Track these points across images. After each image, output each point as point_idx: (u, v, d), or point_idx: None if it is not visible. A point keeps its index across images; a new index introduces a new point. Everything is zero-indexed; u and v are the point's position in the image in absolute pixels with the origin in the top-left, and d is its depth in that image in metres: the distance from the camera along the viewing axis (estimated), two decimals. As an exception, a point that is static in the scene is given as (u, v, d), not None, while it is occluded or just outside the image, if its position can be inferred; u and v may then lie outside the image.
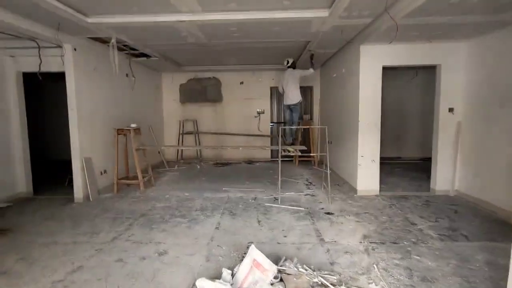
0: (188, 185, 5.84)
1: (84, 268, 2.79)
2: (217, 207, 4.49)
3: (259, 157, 8.60)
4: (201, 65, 7.75)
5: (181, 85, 8.51)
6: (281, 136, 6.68)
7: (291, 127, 6.27)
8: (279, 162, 4.76)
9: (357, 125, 4.99)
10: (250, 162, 8.38)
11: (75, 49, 4.63)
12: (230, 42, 5.17)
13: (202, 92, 8.49)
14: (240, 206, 4.53)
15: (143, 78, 7.17)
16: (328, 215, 4.08)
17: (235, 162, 8.39)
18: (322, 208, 4.36)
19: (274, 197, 4.90)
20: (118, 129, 5.22)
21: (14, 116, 5.02)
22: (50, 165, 7.74)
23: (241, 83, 8.46)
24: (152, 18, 3.78)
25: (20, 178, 5.11)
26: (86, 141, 4.90)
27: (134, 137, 5.21)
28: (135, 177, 5.50)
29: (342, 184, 5.64)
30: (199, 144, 8.26)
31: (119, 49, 5.61)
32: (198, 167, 7.66)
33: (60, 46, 4.55)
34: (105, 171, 5.42)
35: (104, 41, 4.94)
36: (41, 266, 2.82)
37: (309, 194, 5.08)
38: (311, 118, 8.48)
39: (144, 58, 6.27)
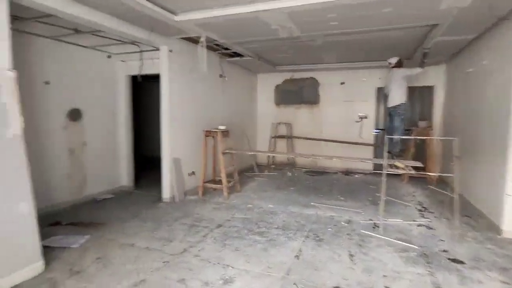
0: (274, 194, 5.33)
1: (146, 283, 2.54)
2: (301, 227, 3.81)
3: (359, 168, 7.46)
4: (297, 64, 7.17)
5: (276, 86, 8.13)
6: (386, 146, 5.52)
7: (397, 136, 5.05)
8: (384, 178, 3.73)
9: (506, 137, 3.52)
10: (347, 173, 7.34)
11: (170, 51, 4.69)
12: (328, 34, 4.41)
13: (298, 93, 7.92)
14: (330, 229, 3.73)
15: (239, 79, 7.05)
16: (455, 264, 2.89)
17: (331, 171, 7.48)
18: (445, 251, 3.16)
19: (374, 223, 3.90)
20: (206, 131, 5.11)
21: (122, 115, 5.47)
22: (148, 161, 8.47)
23: (342, 83, 7.50)
24: (232, 10, 3.40)
25: (123, 172, 5.55)
26: (176, 142, 4.93)
27: (221, 140, 5.00)
28: (221, 181, 5.32)
29: (476, 217, 4.14)
30: (292, 149, 7.68)
31: (213, 49, 5.54)
32: (289, 174, 7.10)
33: (158, 49, 4.67)
34: (193, 173, 5.41)
35: (197, 41, 4.88)
36: (111, 272, 2.71)
37: (424, 225, 3.87)
38: (430, 126, 6.85)
39: (238, 58, 6.08)
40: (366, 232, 3.63)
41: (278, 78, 8.05)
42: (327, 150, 7.66)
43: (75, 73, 4.60)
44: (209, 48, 5.34)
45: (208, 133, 5.11)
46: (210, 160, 5.53)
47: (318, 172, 7.39)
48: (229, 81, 6.55)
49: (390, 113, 5.27)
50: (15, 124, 2.62)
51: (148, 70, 5.05)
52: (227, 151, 5.10)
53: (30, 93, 4.00)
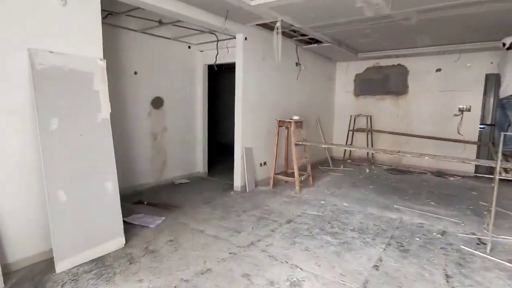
0: (350, 192, 4.88)
1: (212, 272, 2.50)
2: (382, 232, 3.34)
3: (455, 169, 6.36)
4: (382, 49, 6.39)
5: (356, 75, 7.46)
6: (492, 144, 4.51)
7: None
8: (496, 184, 2.98)
9: None
10: (439, 174, 6.33)
11: (246, 38, 4.60)
12: (424, 9, 3.72)
13: (382, 82, 7.12)
14: (417, 239, 3.18)
15: (316, 68, 6.65)
16: None
17: (417, 171, 6.57)
18: None
19: (479, 239, 3.19)
20: (279, 121, 4.92)
21: (199, 103, 5.67)
22: (222, 148, 8.68)
23: (438, 70, 6.44)
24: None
25: (199, 159, 5.77)
26: (249, 131, 4.87)
27: (295, 131, 4.75)
28: (294, 173, 5.10)
29: None
30: (371, 143, 6.98)
31: (289, 36, 5.28)
32: (367, 171, 6.47)
33: (234, 37, 4.63)
34: (264, 163, 5.31)
35: (272, 28, 4.69)
36: (181, 256, 2.76)
37: (551, 248, 3.00)
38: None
39: (315, 45, 5.69)
40: (468, 248, 2.98)
41: (359, 66, 7.36)
42: (415, 146, 6.73)
43: (159, 64, 4.88)
44: (285, 35, 5.11)
45: (282, 123, 4.91)
46: (282, 151, 5.35)
47: (401, 171, 6.56)
48: (305, 70, 6.21)
49: (504, 105, 4.25)
50: (105, 109, 2.83)
51: (224, 59, 5.07)
52: (300, 142, 4.83)
53: (121, 82, 4.38)
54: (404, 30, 4.73)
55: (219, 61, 5.08)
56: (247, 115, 4.78)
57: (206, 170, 5.87)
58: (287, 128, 5.12)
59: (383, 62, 7.05)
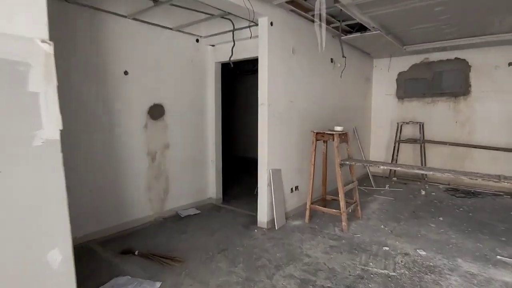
0: (416, 228, 3.57)
1: None
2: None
3: (538, 190, 4.93)
4: (436, 40, 5.10)
5: (399, 74, 6.16)
6: None
7: None
8: None
9: None
10: (518, 196, 4.93)
11: (271, 24, 3.43)
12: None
13: (433, 81, 5.80)
14: None
15: (352, 65, 5.41)
16: None
17: (488, 192, 5.17)
18: None
19: None
20: (317, 133, 3.69)
21: (210, 112, 4.50)
22: (239, 163, 7.47)
23: (511, 64, 5.08)
24: None
25: (211, 182, 4.58)
26: (276, 147, 3.67)
27: (339, 146, 3.51)
28: (334, 201, 3.86)
29: None
30: (424, 157, 5.62)
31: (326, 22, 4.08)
32: (423, 192, 5.11)
33: (255, 23, 3.48)
34: (296, 188, 4.08)
35: (304, 8, 3.52)
36: None
37: None
38: None
39: (358, 34, 4.46)
40: None
41: (403, 63, 6.07)
42: (481, 161, 5.37)
43: (158, 61, 3.77)
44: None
45: (320, 136, 3.68)
46: (319, 172, 4.10)
47: (467, 193, 5.17)
48: (340, 68, 4.99)
49: None
50: (50, 124, 1.67)
51: (241, 55, 3.93)
52: (347, 162, 3.58)
53: (107, 86, 3.26)
54: (473, 11, 3.49)
55: (236, 57, 3.92)
56: (273, 126, 3.59)
57: (221, 195, 4.66)
58: (325, 142, 3.89)
59: (434, 57, 5.74)
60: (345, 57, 4.77)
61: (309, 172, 3.78)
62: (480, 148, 5.29)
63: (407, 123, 5.72)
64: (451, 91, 5.63)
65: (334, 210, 3.58)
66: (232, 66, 3.92)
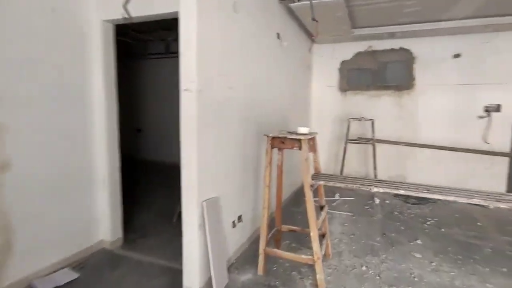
0: (402, 265, 2.66)
1: None
2: None
3: (478, 187, 4.72)
4: (389, 24, 4.42)
5: (343, 63, 5.38)
6: None
7: None
8: None
9: None
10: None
11: (201, -50, 1.96)
12: None
13: (378, 73, 5.18)
14: None
15: (293, 48, 4.30)
16: None
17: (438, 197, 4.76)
18: None
19: None
20: (274, 138, 2.40)
21: (97, 101, 2.75)
22: (145, 170, 5.69)
23: (456, 56, 4.73)
24: None
25: (102, 214, 2.85)
26: (210, 160, 2.25)
27: (308, 158, 2.29)
28: (293, 233, 2.69)
29: None
30: (374, 159, 4.95)
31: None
32: (377, 201, 4.40)
33: None
34: (239, 219, 2.75)
35: None
36: None
37: None
38: None
39: (309, 1, 3.31)
40: None
41: (347, 50, 5.30)
42: (425, 160, 4.98)
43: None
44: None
45: (279, 143, 2.40)
46: (272, 193, 2.83)
47: (420, 199, 4.68)
48: (287, 48, 3.83)
49: None
50: None
51: (148, 9, 2.35)
52: (320, 181, 2.39)
53: None
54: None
55: (138, 13, 2.32)
56: (206, 126, 2.15)
57: (120, 235, 2.97)
58: (280, 150, 2.63)
59: (379, 45, 5.11)
60: (280, 38, 3.61)
61: (263, 199, 2.48)
62: (426, 147, 4.88)
63: (359, 119, 4.95)
64: (396, 84, 5.09)
65: (304, 257, 2.35)
66: (129, 21, 2.30)
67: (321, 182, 2.33)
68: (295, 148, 2.35)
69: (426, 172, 4.98)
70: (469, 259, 2.76)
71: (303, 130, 2.48)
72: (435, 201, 4.48)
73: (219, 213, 2.35)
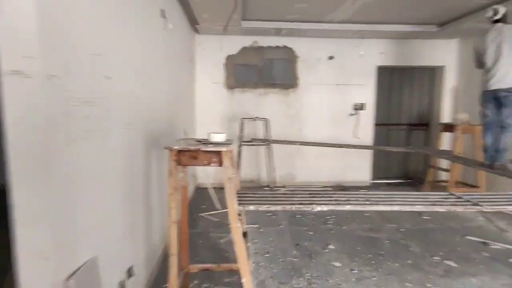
0: (325, 281, 2.40)
1: None
2: None
3: (352, 180, 5.26)
4: (275, 19, 4.25)
5: (228, 58, 4.94)
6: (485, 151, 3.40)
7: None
8: None
9: None
10: (344, 188, 5.04)
11: None
12: None
13: (265, 70, 5.01)
14: None
15: (176, 35, 3.53)
16: None
17: (318, 188, 4.98)
18: None
19: None
20: (182, 151, 1.64)
21: None
22: None
23: (331, 57, 5.04)
24: None
25: None
26: (77, 200, 1.30)
27: (230, 179, 1.66)
28: (205, 273, 2.05)
29: None
30: (271, 160, 4.70)
31: None
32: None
33: None
34: (129, 273, 1.85)
35: None
36: None
37: None
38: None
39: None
40: None
41: (232, 44, 4.88)
42: (312, 158, 5.15)
43: None
44: None
45: (190, 159, 1.66)
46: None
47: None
48: (173, 32, 3.05)
49: (499, 99, 3.13)
50: None
51: None
52: (251, 207, 1.79)
53: None
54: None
55: None
56: (66, 151, 1.19)
57: None
58: (185, 167, 1.89)
59: (264, 42, 4.93)
60: (167, 20, 2.87)
61: (169, 241, 1.69)
62: (312, 145, 5.03)
63: (253, 119, 4.60)
64: (282, 82, 5.05)
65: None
66: None
67: (252, 207, 1.74)
68: (212, 164, 1.67)
69: (313, 169, 5.16)
70: (378, 257, 2.79)
71: (218, 137, 1.82)
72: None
73: (98, 283, 1.42)
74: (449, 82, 5.24)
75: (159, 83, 2.65)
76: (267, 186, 4.94)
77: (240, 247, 1.65)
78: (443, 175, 4.85)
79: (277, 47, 4.95)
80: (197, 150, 1.64)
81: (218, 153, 1.64)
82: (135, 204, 2.00)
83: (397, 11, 3.97)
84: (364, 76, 5.10)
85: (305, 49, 4.97)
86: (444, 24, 4.43)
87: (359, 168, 5.28)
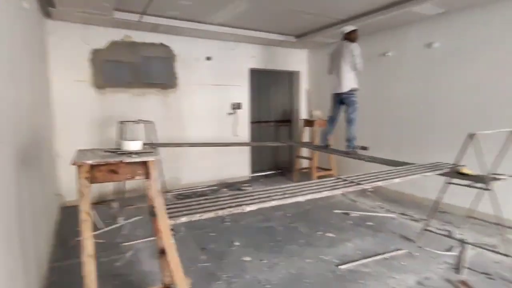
0: (242, 279, 2.50)
1: None
2: None
3: (233, 176, 5.57)
4: (154, 14, 3.97)
5: (95, 53, 4.23)
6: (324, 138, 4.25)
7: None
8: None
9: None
10: (228, 186, 5.25)
11: None
12: None
13: (142, 68, 4.58)
14: None
15: (27, 19, 2.76)
16: None
17: (204, 188, 5.02)
18: None
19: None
20: (94, 166, 1.34)
21: None
22: None
23: (208, 58, 5.11)
24: None
25: None
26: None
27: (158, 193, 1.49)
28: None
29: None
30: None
31: None
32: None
33: None
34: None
35: None
36: None
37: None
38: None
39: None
40: None
41: (99, 37, 4.20)
42: (195, 158, 5.12)
43: None
44: None
45: (109, 174, 1.37)
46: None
47: (192, 193, 4.71)
48: (29, 12, 2.39)
49: (343, 100, 3.94)
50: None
51: None
52: (182, 218, 1.62)
53: None
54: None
55: None
56: None
57: None
58: (92, 181, 1.55)
59: (139, 37, 4.50)
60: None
61: (87, 286, 1.35)
62: (200, 146, 4.98)
63: (136, 122, 4.07)
64: (161, 82, 4.75)
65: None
66: None
67: (184, 219, 1.60)
68: (137, 178, 1.45)
69: (198, 170, 5.12)
70: (278, 243, 3.09)
71: (134, 146, 1.58)
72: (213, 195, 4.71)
73: None
74: (304, 84, 6.26)
75: (18, 82, 2.03)
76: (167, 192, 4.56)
77: (176, 265, 1.51)
78: (305, 163, 5.78)
79: (153, 44, 4.61)
80: (118, 163, 1.38)
81: (144, 163, 1.43)
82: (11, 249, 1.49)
83: (265, 21, 4.44)
84: (239, 77, 5.44)
85: (183, 48, 4.84)
86: (300, 36, 5.25)
87: (239, 164, 5.62)
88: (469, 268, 2.54)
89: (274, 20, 4.35)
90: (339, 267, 2.60)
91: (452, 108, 3.81)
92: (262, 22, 4.51)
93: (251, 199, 1.92)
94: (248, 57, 5.49)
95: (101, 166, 1.36)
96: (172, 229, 1.56)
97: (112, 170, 1.38)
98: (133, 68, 4.51)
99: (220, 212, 1.70)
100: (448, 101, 3.84)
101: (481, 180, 2.55)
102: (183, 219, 1.60)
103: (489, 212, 2.77)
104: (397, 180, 2.38)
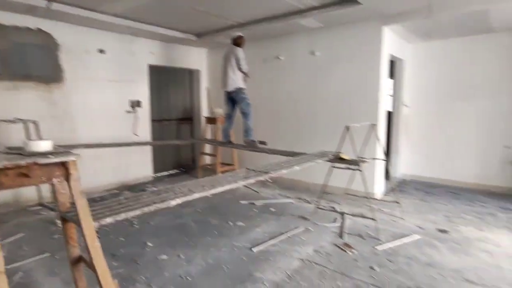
0: (162, 276, 2.50)
1: None
2: None
3: (137, 177, 5.28)
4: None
5: None
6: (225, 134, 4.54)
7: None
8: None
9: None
10: (130, 188, 4.95)
11: None
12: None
13: (13, 57, 3.83)
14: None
15: None
16: (442, 232, 3.30)
17: (101, 194, 4.61)
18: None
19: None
20: (3, 170, 1.17)
21: None
22: None
23: (101, 51, 4.65)
24: None
25: None
26: None
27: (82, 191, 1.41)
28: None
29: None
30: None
31: None
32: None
33: None
34: None
35: None
36: None
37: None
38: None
39: None
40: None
41: None
42: (92, 160, 4.62)
43: None
44: None
45: (18, 177, 1.20)
46: None
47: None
48: None
49: (233, 98, 4.26)
50: None
51: None
52: (108, 219, 1.53)
53: None
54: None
55: None
56: None
57: None
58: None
59: (7, 19, 3.75)
60: None
61: None
62: (97, 147, 4.49)
63: (12, 121, 3.34)
64: (40, 75, 4.09)
65: None
66: None
67: (109, 220, 1.52)
68: (54, 180, 1.33)
69: (95, 173, 4.63)
70: (193, 238, 3.16)
71: (44, 146, 1.43)
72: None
73: None
74: (204, 83, 6.38)
75: None
76: (41, 204, 3.92)
77: (104, 271, 1.45)
78: (208, 160, 5.93)
79: (28, 29, 3.92)
80: (31, 165, 1.24)
81: (62, 164, 1.33)
82: None
83: (166, 17, 4.36)
84: (138, 73, 5.16)
85: (70, 37, 4.28)
86: (201, 35, 5.35)
87: (141, 164, 5.35)
88: (348, 233, 3.21)
89: (175, 16, 4.31)
90: (252, 249, 2.89)
91: (330, 105, 4.63)
92: (163, 17, 4.41)
93: (174, 194, 1.96)
94: (147, 53, 5.26)
95: (8, 170, 1.19)
96: (97, 232, 1.48)
97: (23, 173, 1.23)
98: (2, 55, 3.74)
99: (146, 209, 1.70)
100: (327, 100, 4.65)
101: (355, 163, 3.25)
102: (108, 220, 1.54)
103: (359, 188, 3.55)
104: (297, 168, 2.80)
